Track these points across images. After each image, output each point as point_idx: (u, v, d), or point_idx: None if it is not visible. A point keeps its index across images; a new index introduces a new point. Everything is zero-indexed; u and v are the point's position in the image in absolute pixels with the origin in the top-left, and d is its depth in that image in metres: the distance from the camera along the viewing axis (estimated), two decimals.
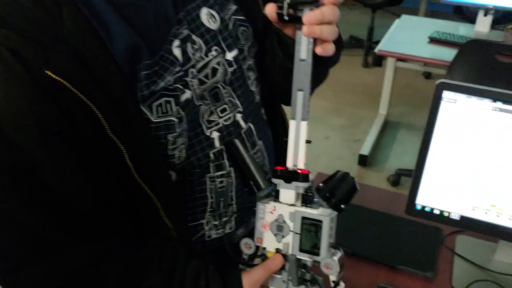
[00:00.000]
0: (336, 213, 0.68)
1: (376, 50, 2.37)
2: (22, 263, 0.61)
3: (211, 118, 0.75)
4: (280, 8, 0.62)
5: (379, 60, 3.96)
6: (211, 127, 0.75)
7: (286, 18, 0.62)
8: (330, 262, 0.67)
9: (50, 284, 0.63)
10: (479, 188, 0.91)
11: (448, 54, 2.13)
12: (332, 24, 0.63)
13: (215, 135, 0.76)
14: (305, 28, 0.60)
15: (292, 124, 0.67)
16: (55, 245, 0.62)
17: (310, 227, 0.67)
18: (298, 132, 0.68)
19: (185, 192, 0.75)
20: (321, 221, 0.67)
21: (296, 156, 0.68)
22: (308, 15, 0.60)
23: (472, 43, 1.91)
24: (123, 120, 0.62)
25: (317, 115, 3.29)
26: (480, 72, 1.82)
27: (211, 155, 0.75)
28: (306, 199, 0.69)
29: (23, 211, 0.60)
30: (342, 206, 0.68)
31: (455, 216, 0.94)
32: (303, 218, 0.68)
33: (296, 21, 0.63)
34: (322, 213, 0.67)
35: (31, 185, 0.59)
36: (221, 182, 0.77)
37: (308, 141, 0.68)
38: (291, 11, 0.62)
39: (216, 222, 0.80)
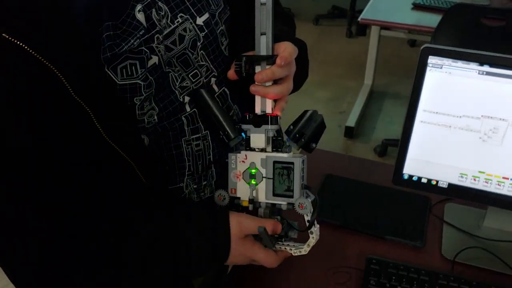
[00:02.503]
0: (305, 156, 0.71)
1: (359, 19, 2.33)
2: None
3: (184, 84, 0.75)
4: (238, 66, 0.70)
5: (363, 29, 3.91)
6: (183, 92, 0.75)
7: (243, 74, 0.70)
8: (303, 201, 0.69)
9: (20, 254, 0.63)
10: (466, 155, 0.89)
11: (432, 20, 2.10)
12: (285, 80, 0.71)
13: (187, 99, 0.76)
14: (252, 87, 0.70)
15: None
16: (22, 214, 0.62)
17: (282, 171, 0.70)
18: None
19: (162, 154, 0.75)
20: (292, 163, 0.69)
21: (264, 101, 0.71)
22: (259, 74, 0.69)
23: (457, 7, 1.88)
24: (86, 81, 0.61)
25: (302, 88, 3.24)
26: (466, 37, 1.80)
27: (183, 119, 0.76)
28: (276, 144, 0.71)
29: None
30: (313, 145, 0.71)
31: (443, 184, 0.93)
32: (275, 162, 0.70)
33: (252, 77, 0.70)
34: (293, 155, 0.70)
35: None
36: (197, 145, 0.78)
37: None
38: (247, 67, 0.70)
39: (195, 186, 0.80)
